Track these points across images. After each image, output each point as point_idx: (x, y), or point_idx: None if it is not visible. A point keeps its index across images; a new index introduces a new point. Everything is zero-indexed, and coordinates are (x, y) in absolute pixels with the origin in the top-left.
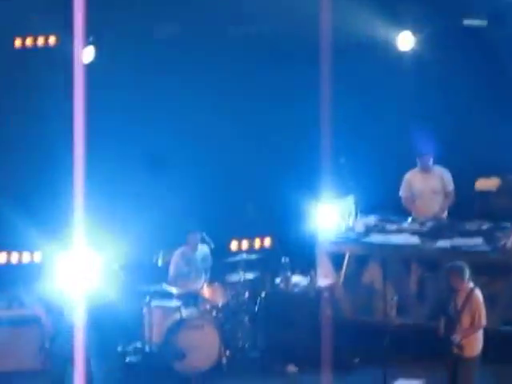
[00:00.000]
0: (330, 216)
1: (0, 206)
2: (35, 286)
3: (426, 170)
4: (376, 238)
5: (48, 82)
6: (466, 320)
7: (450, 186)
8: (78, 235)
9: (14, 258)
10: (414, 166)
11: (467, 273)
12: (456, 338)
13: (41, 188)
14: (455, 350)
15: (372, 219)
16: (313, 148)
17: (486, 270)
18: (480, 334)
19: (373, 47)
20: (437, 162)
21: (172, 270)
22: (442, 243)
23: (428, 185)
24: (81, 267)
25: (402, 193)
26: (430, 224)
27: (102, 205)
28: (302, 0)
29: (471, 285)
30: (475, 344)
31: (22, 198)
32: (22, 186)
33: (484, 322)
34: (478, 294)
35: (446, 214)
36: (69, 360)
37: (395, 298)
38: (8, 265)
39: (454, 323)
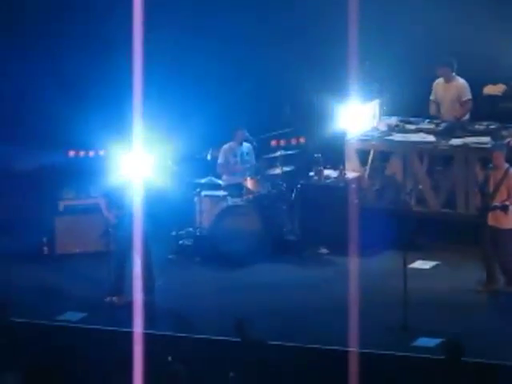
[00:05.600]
0: (357, 117)
1: (69, 109)
2: (100, 178)
3: (447, 80)
4: (397, 137)
5: None
6: (503, 193)
7: (466, 97)
8: (137, 134)
9: (82, 153)
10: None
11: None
12: (499, 205)
13: (105, 94)
14: (491, 222)
15: (394, 120)
16: (341, 54)
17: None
18: None
19: None
20: (458, 69)
21: (221, 159)
22: (455, 141)
23: (447, 94)
24: (139, 162)
25: (431, 97)
26: (444, 124)
27: (159, 107)
28: None
29: (507, 164)
30: (510, 217)
31: (87, 103)
32: (88, 93)
33: None
34: None
35: (465, 119)
36: (129, 243)
37: (414, 189)
38: (76, 158)
39: (492, 197)
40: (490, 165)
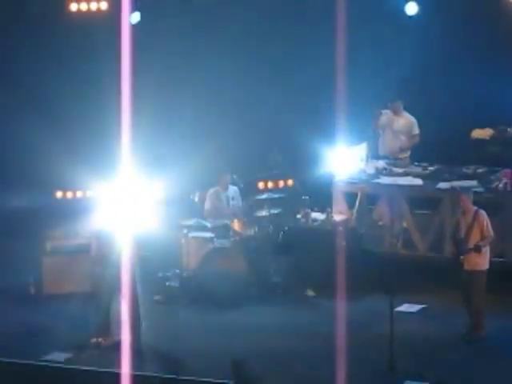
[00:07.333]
0: (344, 160)
1: (56, 152)
2: (87, 219)
3: (396, 113)
4: (385, 180)
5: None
6: (476, 235)
7: (415, 131)
8: (124, 176)
9: (69, 194)
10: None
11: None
12: (473, 247)
13: (92, 136)
14: (467, 267)
15: (381, 163)
16: (331, 100)
17: (481, 208)
18: (488, 251)
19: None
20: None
21: (207, 205)
22: (442, 185)
23: (395, 124)
24: (127, 204)
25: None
26: (431, 168)
27: (146, 149)
28: None
29: (475, 207)
30: (485, 259)
31: (74, 144)
32: (76, 134)
33: (492, 232)
34: (483, 212)
35: (407, 153)
36: (117, 284)
37: (401, 232)
38: (64, 200)
39: (465, 241)
40: (459, 210)
